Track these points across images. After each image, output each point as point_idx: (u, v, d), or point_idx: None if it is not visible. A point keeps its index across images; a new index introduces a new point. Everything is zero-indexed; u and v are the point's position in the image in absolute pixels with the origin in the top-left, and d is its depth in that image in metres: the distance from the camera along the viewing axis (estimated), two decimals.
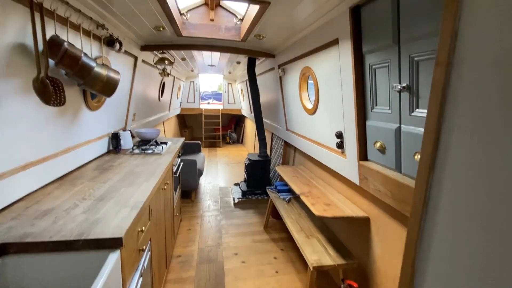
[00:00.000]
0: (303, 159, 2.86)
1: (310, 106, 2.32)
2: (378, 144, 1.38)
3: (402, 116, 1.22)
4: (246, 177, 3.73)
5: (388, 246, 1.47)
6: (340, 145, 1.74)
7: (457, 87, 0.40)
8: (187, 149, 4.38)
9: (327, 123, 1.98)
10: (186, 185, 3.47)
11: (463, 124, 0.39)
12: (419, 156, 1.11)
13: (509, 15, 0.35)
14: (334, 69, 1.75)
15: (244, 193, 3.64)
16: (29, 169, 1.26)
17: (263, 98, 4.23)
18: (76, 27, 1.47)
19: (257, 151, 5.38)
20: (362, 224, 1.71)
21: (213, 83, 10.69)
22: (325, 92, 1.96)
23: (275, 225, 2.98)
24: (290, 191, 2.71)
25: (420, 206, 0.45)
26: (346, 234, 1.88)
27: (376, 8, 1.25)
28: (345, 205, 1.76)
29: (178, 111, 6.81)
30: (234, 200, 3.58)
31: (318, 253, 1.67)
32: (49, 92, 1.07)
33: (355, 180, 1.59)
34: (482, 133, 0.37)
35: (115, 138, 2.22)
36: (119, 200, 1.27)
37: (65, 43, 1.17)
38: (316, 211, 1.65)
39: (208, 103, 8.88)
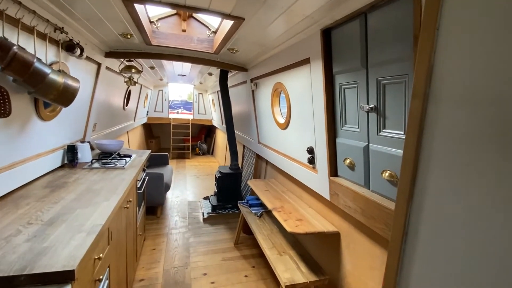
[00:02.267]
0: (275, 172, 2.87)
1: (282, 120, 2.35)
2: (347, 161, 1.42)
3: (370, 135, 1.28)
4: (216, 190, 3.62)
5: (358, 261, 1.50)
6: (312, 161, 1.78)
7: (434, 118, 0.42)
8: (153, 162, 4.15)
9: (298, 138, 2.02)
10: (151, 200, 3.26)
11: (440, 153, 0.41)
12: (386, 174, 1.17)
13: (478, 56, 0.37)
14: (305, 86, 1.81)
15: (214, 208, 3.52)
16: None
17: (235, 110, 4.22)
18: (29, 29, 1.32)
19: (228, 163, 5.30)
20: (333, 239, 1.73)
21: (183, 92, 10.45)
22: (297, 107, 2.01)
23: (247, 241, 2.91)
24: (262, 205, 2.68)
25: (399, 233, 0.45)
26: (317, 250, 1.90)
27: (345, 32, 1.32)
28: (317, 220, 1.78)
29: (144, 120, 6.49)
30: (203, 215, 3.44)
31: (290, 270, 1.65)
32: None
33: (326, 195, 1.62)
34: (460, 162, 0.39)
35: (71, 151, 2.01)
36: (72, 224, 1.12)
37: (15, 47, 1.03)
38: (289, 227, 1.64)
39: (178, 113, 8.62)
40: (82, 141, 2.29)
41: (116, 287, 1.51)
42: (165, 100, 7.06)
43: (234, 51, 2.35)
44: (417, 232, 0.43)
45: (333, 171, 1.55)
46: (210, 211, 3.52)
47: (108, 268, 1.31)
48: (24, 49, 1.10)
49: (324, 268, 1.74)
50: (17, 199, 1.34)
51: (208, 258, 2.56)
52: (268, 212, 2.59)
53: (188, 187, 4.68)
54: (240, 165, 4.18)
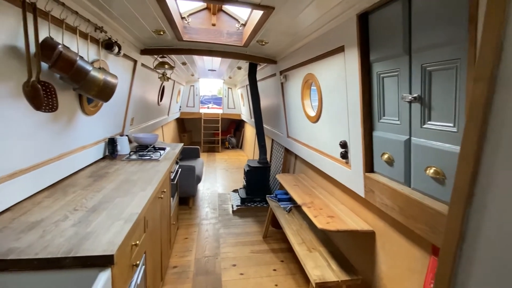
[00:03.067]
0: (304, 167, 2.80)
1: (312, 113, 2.27)
2: (385, 156, 1.32)
3: (412, 127, 1.17)
4: (245, 184, 3.66)
5: (395, 262, 1.40)
6: (345, 155, 1.68)
7: (503, 105, 0.34)
8: (185, 155, 4.31)
9: (330, 132, 1.93)
10: (184, 191, 3.39)
11: (511, 146, 0.34)
12: (431, 171, 1.05)
13: None
14: (339, 76, 1.71)
15: (243, 201, 3.56)
16: (18, 177, 1.19)
17: (264, 103, 4.19)
18: (72, 30, 1.42)
19: (256, 157, 5.32)
20: (366, 238, 1.64)
21: (213, 87, 10.69)
22: (329, 100, 1.91)
23: (275, 235, 2.90)
24: (291, 200, 2.64)
25: (454, 238, 0.39)
26: (349, 248, 1.81)
27: (385, 15, 1.20)
28: (349, 218, 1.69)
29: (177, 115, 6.76)
30: (232, 207, 3.50)
31: (321, 267, 1.60)
32: (40, 97, 1.01)
33: (360, 192, 1.53)
34: None
35: (111, 144, 2.16)
36: (112, 212, 1.20)
37: (60, 46, 1.11)
38: (319, 223, 1.58)
39: (208, 108, 8.84)
40: (121, 135, 2.44)
41: (152, 272, 1.59)
42: (196, 95, 7.27)
43: (263, 43, 2.30)
44: (477, 238, 0.37)
45: (369, 167, 1.46)
46: (239, 203, 3.57)
47: (144, 254, 1.38)
48: (68, 48, 1.19)
49: (356, 267, 1.66)
50: (65, 187, 1.47)
51: (237, 250, 2.60)
52: (297, 207, 2.54)
53: (218, 180, 4.80)
54: (268, 159, 4.16)
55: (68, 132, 1.60)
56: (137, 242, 1.18)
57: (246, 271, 2.28)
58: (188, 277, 2.18)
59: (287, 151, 3.40)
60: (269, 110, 4.01)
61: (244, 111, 6.99)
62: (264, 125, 4.30)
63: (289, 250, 2.61)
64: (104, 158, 2.17)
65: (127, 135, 2.58)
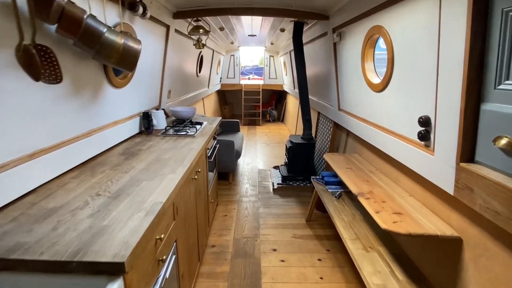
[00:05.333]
0: (358, 146, 2.38)
1: (376, 80, 1.79)
2: (503, 142, 0.88)
3: None
4: (286, 161, 3.38)
5: (493, 285, 1.02)
6: (425, 136, 1.25)
7: None
8: (225, 128, 4.16)
9: (403, 104, 1.47)
10: (223, 167, 3.28)
11: None
12: None
13: None
14: (425, 26, 1.22)
15: (284, 179, 3.32)
16: (40, 157, 1.09)
17: (310, 71, 3.69)
18: None
19: (299, 131, 4.94)
20: (448, 246, 1.25)
21: (254, 56, 10.18)
22: (404, 60, 1.43)
23: (320, 219, 2.63)
24: (340, 183, 2.30)
25: None
26: (419, 252, 1.45)
27: None
28: (423, 216, 1.31)
29: (218, 87, 6.60)
30: (273, 185, 3.29)
31: (382, 274, 1.29)
32: (36, 64, 0.82)
33: (448, 187, 1.12)
34: None
35: (146, 118, 2.04)
36: (135, 200, 1.04)
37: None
38: (383, 223, 1.24)
39: (249, 78, 8.51)
40: (157, 108, 2.32)
41: (186, 257, 1.48)
42: (237, 65, 6.95)
43: None
44: None
45: (467, 154, 1.02)
46: (280, 181, 3.35)
47: (175, 243, 1.24)
48: (72, 3, 0.97)
49: (429, 278, 1.31)
50: (95, 166, 1.37)
51: (278, 233, 2.41)
52: (349, 193, 2.19)
53: (259, 155, 4.61)
54: (313, 135, 3.77)
55: (96, 106, 1.47)
56: (162, 236, 1.02)
57: (288, 258, 2.09)
58: (226, 258, 2.08)
59: (337, 126, 2.96)
60: (316, 79, 3.52)
61: (286, 81, 6.48)
62: (310, 96, 3.85)
63: (336, 238, 2.33)
64: (140, 133, 2.08)
65: (163, 109, 2.46)
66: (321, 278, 1.89)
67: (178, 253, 1.29)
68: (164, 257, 1.04)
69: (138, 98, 2.04)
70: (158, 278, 1.03)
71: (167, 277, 1.11)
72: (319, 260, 2.07)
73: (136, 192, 1.10)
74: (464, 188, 1.03)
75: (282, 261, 2.06)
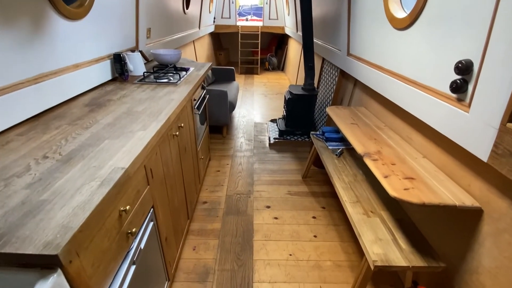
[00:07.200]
0: (366, 98, 2.10)
1: (401, 14, 1.43)
2: None
3: None
4: (285, 114, 3.13)
5: None
6: (460, 87, 0.98)
7: None
8: (218, 76, 3.78)
9: (437, 45, 1.16)
10: (215, 120, 3.04)
11: None
12: None
13: None
14: None
15: (281, 133, 3.12)
16: None
17: (316, 8, 3.16)
18: None
19: (300, 81, 4.54)
20: (463, 215, 1.11)
21: None
22: None
23: (317, 175, 2.52)
24: (342, 140, 2.10)
25: None
26: (427, 219, 1.32)
27: None
28: (439, 182, 1.13)
29: (211, 29, 5.90)
30: (269, 140, 3.11)
31: (383, 242, 1.18)
32: None
33: (481, 152, 0.91)
34: None
35: (118, 61, 1.71)
36: (90, 164, 0.83)
37: None
38: (393, 189, 1.07)
39: (247, 20, 7.62)
40: (133, 50, 1.96)
41: (171, 220, 1.36)
42: (232, 3, 6.10)
43: None
44: None
45: None
46: (277, 136, 3.15)
47: (152, 209, 1.09)
48: None
49: (435, 249, 1.21)
50: (50, 120, 1.13)
51: (273, 189, 2.32)
52: (351, 150, 2.01)
53: (255, 107, 4.32)
54: (316, 86, 3.43)
55: (42, 44, 1.15)
56: (128, 207, 0.84)
57: (281, 215, 2.02)
58: (218, 215, 2.01)
59: (343, 75, 2.63)
60: (324, 18, 3.02)
61: (288, 23, 5.77)
62: (315, 39, 3.38)
63: (333, 195, 2.24)
64: (114, 80, 1.78)
65: (140, 51, 2.09)
66: (315, 236, 1.83)
67: (157, 218, 1.15)
68: (134, 230, 0.88)
69: (106, 35, 1.67)
70: (129, 252, 0.89)
71: (141, 247, 0.97)
72: (314, 217, 2.00)
73: (94, 155, 0.88)
74: (504, 154, 0.82)
75: (276, 218, 1.99)
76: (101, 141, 0.97)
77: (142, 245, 0.98)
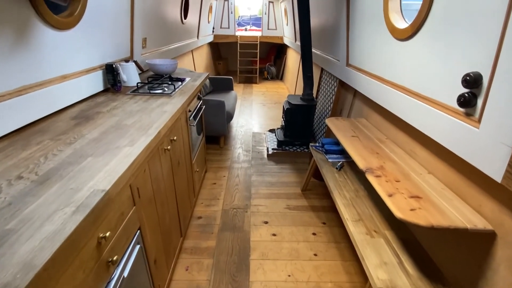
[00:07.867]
0: (366, 109, 2.05)
1: (402, 24, 1.38)
2: None
3: None
4: (283, 124, 3.07)
5: None
6: (469, 101, 0.92)
7: None
8: (216, 86, 3.74)
9: (442, 56, 1.11)
10: (212, 130, 2.98)
11: None
12: None
13: None
14: None
15: (280, 143, 3.06)
16: None
17: (315, 18, 3.16)
18: None
19: (299, 91, 4.51)
20: (475, 238, 1.03)
21: (253, 4, 9.09)
22: None
23: (316, 188, 2.44)
24: (343, 152, 2.03)
25: None
26: (434, 239, 1.24)
27: None
28: (446, 201, 1.06)
29: (210, 39, 5.92)
30: (268, 150, 3.04)
31: (389, 266, 1.09)
32: None
33: (493, 172, 0.84)
34: None
35: (110, 72, 1.66)
36: (68, 186, 0.75)
37: None
38: (398, 210, 0.99)
39: (246, 29, 7.67)
40: (127, 60, 1.91)
41: (161, 240, 1.28)
42: (231, 13, 6.14)
43: None
44: None
45: None
46: (275, 146, 3.09)
47: (138, 231, 1.00)
48: None
49: (443, 272, 1.12)
50: (32, 135, 1.06)
51: (271, 203, 2.23)
52: (351, 163, 1.94)
53: (254, 116, 4.27)
54: (314, 96, 3.39)
55: (27, 54, 1.09)
56: (108, 233, 0.76)
57: (280, 231, 1.93)
58: (213, 232, 1.92)
59: (342, 85, 2.59)
60: (322, 28, 3.01)
61: (287, 33, 5.80)
62: (313, 50, 3.36)
63: (334, 209, 2.16)
64: (106, 91, 1.72)
65: (135, 61, 2.05)
66: (315, 254, 1.74)
67: (145, 240, 1.07)
68: (115, 258, 0.80)
69: (99, 45, 1.62)
70: (109, 282, 0.80)
71: (125, 276, 0.89)
72: (314, 234, 1.91)
73: (73, 174, 0.81)
74: None
75: (274, 235, 1.90)
76: (83, 159, 0.90)
77: (125, 273, 0.89)
